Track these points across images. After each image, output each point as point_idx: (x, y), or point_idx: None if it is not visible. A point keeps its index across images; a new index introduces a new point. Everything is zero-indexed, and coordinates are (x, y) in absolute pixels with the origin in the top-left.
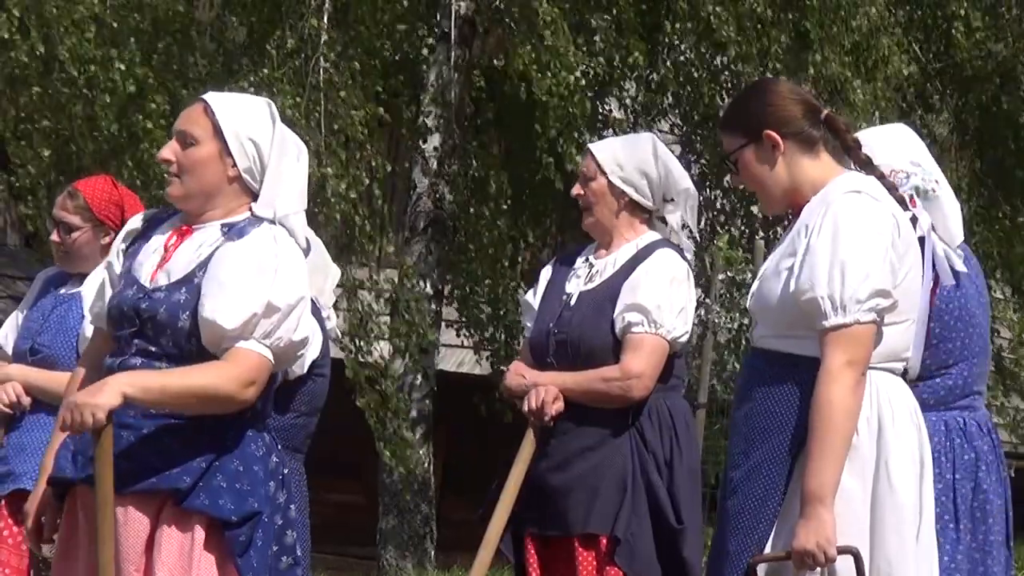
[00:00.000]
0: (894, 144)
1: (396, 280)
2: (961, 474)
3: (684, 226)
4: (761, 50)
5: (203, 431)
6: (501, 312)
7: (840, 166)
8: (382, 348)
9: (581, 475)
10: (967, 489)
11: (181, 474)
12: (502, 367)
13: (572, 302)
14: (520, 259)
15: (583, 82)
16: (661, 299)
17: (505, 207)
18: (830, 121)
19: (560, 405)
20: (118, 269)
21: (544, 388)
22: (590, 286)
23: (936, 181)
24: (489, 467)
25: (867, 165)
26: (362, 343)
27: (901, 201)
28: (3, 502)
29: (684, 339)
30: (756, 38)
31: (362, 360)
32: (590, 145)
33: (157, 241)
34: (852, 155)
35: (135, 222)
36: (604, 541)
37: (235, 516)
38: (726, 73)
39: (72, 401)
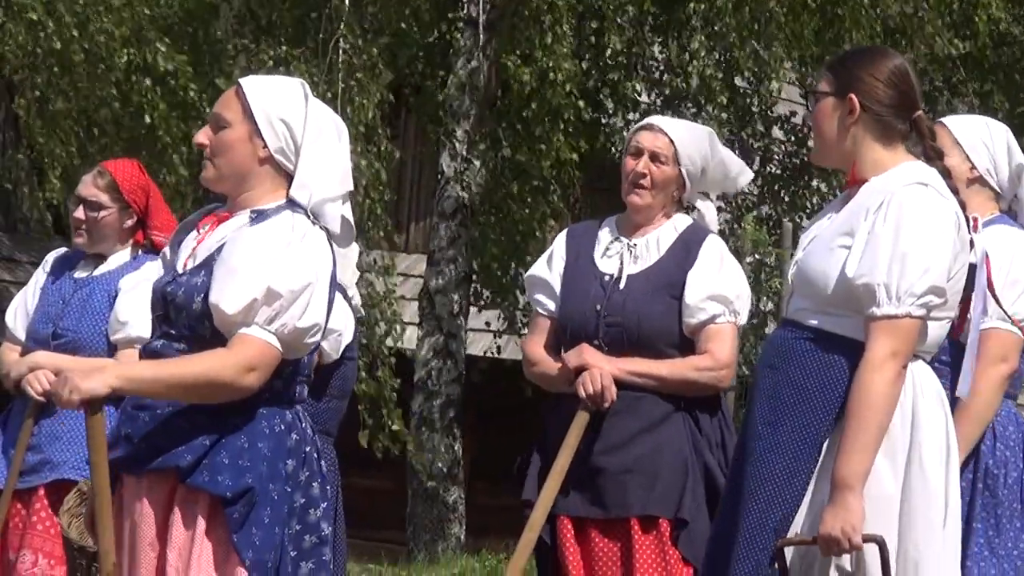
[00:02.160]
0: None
1: (409, 264)
2: None
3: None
4: (793, 34)
5: (211, 410)
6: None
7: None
8: (398, 332)
9: (638, 457)
10: None
11: (184, 452)
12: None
13: (621, 284)
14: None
15: (572, 72)
16: (738, 288)
17: (529, 189)
18: (917, 123)
19: (615, 390)
20: (169, 259)
21: (599, 372)
22: (636, 268)
23: None
24: (517, 451)
25: (946, 176)
26: (378, 326)
27: (966, 219)
28: (41, 491)
29: (743, 324)
30: (785, 23)
31: (363, 343)
32: (663, 124)
33: (196, 229)
34: (932, 164)
35: (194, 214)
36: (664, 523)
37: (230, 492)
38: (750, 61)
39: (65, 372)
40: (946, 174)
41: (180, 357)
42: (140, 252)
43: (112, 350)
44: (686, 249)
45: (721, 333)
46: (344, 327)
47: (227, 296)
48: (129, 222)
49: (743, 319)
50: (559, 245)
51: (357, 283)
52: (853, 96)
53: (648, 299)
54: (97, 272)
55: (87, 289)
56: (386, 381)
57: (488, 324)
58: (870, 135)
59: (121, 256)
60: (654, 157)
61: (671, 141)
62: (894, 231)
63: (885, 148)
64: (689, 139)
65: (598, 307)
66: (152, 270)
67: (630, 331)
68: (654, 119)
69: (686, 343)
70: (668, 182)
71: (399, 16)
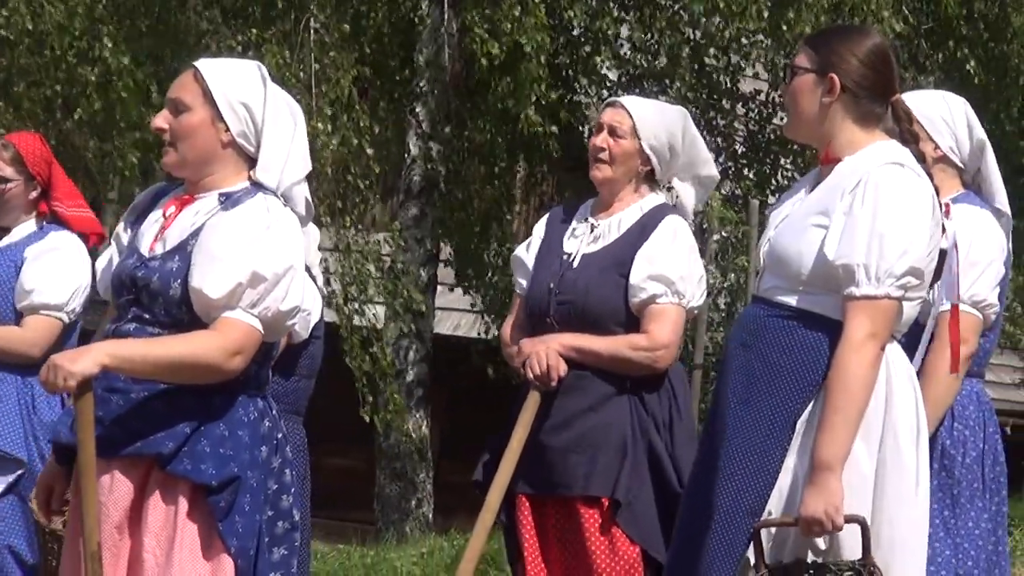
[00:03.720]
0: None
1: (388, 243)
2: (988, 445)
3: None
4: (737, 7)
5: (190, 396)
6: (491, 275)
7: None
8: (376, 311)
9: (581, 436)
10: (991, 460)
11: (165, 439)
12: (493, 332)
13: (575, 263)
14: (511, 220)
15: (534, 46)
16: (683, 269)
17: (497, 169)
18: (895, 106)
19: (564, 368)
20: (124, 240)
21: (546, 352)
22: (593, 248)
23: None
24: (486, 430)
25: (922, 161)
26: (355, 305)
27: (939, 204)
28: None
29: (698, 307)
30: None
31: (357, 324)
32: (625, 101)
33: (159, 212)
34: (910, 148)
35: (143, 195)
36: (606, 503)
37: (215, 481)
38: (699, 36)
39: (51, 361)
40: (920, 158)
41: (167, 337)
42: (44, 223)
43: (18, 319)
44: (643, 229)
45: (663, 314)
46: (312, 307)
47: (210, 281)
48: (33, 194)
49: (691, 302)
50: (539, 227)
51: (342, 257)
52: (834, 76)
53: (598, 278)
54: (1, 244)
55: None
56: (383, 357)
57: (473, 306)
58: (849, 116)
59: (26, 227)
60: (612, 131)
61: (629, 115)
62: (872, 211)
63: (862, 130)
64: (653, 116)
65: (551, 285)
66: (58, 239)
67: (577, 309)
68: (621, 98)
69: (635, 322)
70: (627, 156)
71: None
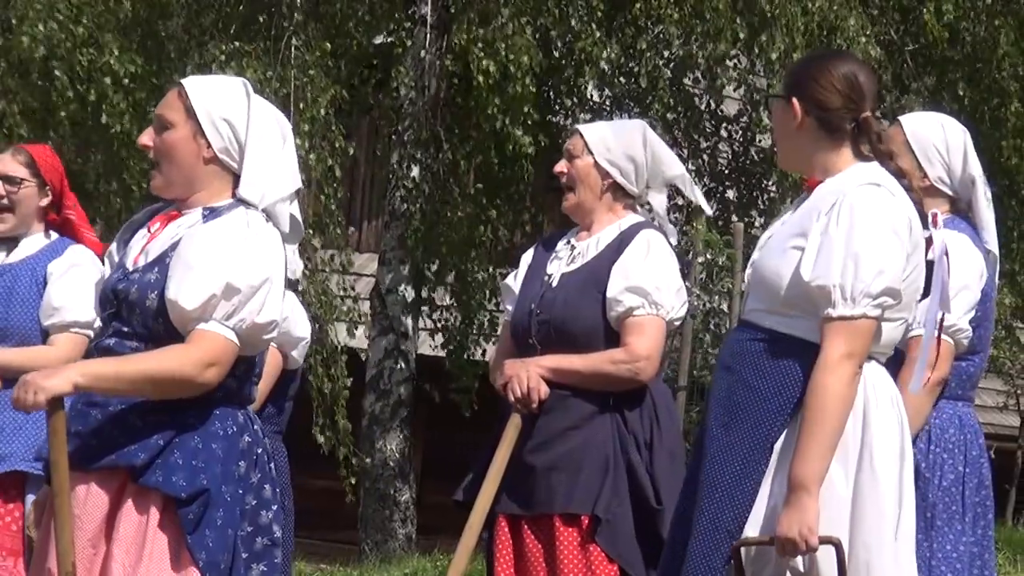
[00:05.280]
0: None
1: (343, 262)
2: (970, 468)
3: (679, 205)
4: (714, 31)
5: (165, 408)
6: (465, 297)
7: (858, 161)
8: (337, 329)
9: (563, 454)
10: (974, 483)
11: (138, 451)
12: (466, 354)
13: (554, 284)
14: (489, 242)
15: (529, 64)
16: (659, 280)
17: (474, 190)
18: (863, 125)
19: (545, 390)
20: (116, 257)
21: (527, 375)
22: (572, 267)
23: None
24: (469, 450)
25: (898, 176)
26: (327, 325)
27: (923, 216)
28: None
29: (680, 319)
30: (707, 19)
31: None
32: (578, 125)
33: (146, 227)
34: (884, 165)
35: (139, 213)
36: (586, 520)
37: (184, 493)
38: (675, 56)
39: (23, 378)
40: (899, 174)
41: (141, 353)
42: (53, 233)
43: (44, 336)
44: (619, 245)
45: (641, 326)
46: (307, 334)
47: (185, 291)
48: (44, 201)
49: (671, 313)
50: (527, 253)
51: (313, 280)
52: (794, 99)
53: (576, 296)
54: (16, 258)
55: (10, 275)
56: (339, 379)
57: (446, 326)
58: (818, 139)
59: (37, 238)
60: (568, 156)
61: (581, 137)
62: (847, 232)
63: (832, 150)
64: (605, 131)
65: (532, 306)
66: (78, 254)
67: (557, 328)
68: (579, 124)
69: (616, 338)
70: (584, 175)
71: (346, 16)
